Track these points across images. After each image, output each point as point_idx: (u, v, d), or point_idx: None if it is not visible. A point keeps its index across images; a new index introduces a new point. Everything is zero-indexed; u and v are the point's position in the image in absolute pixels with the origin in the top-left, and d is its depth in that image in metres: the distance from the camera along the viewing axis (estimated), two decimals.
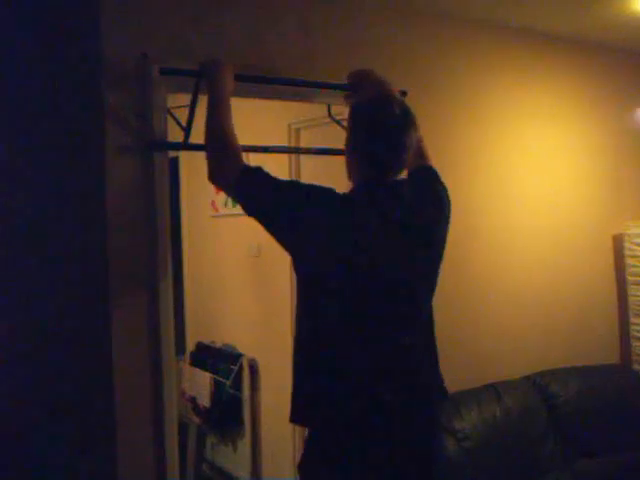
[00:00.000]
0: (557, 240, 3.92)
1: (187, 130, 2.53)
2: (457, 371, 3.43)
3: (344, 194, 2.08)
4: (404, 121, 2.07)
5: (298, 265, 2.08)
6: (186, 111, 2.51)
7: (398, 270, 2.05)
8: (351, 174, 2.16)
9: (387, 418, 2.02)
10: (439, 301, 3.36)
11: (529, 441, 3.36)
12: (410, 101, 3.00)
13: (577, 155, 4.04)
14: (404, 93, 2.95)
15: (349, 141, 2.14)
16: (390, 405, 2.01)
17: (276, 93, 2.85)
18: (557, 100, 3.93)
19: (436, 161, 3.37)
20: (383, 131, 2.05)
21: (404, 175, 2.24)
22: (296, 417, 2.07)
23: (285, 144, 3.90)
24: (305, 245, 2.02)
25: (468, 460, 3.10)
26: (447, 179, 3.42)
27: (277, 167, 4.04)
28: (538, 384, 3.59)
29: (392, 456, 2.03)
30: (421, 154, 2.48)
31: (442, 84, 3.43)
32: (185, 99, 2.53)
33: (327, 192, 2.05)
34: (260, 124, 3.93)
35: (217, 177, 2.14)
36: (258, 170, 2.09)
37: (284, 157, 3.97)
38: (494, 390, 3.40)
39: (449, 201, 2.34)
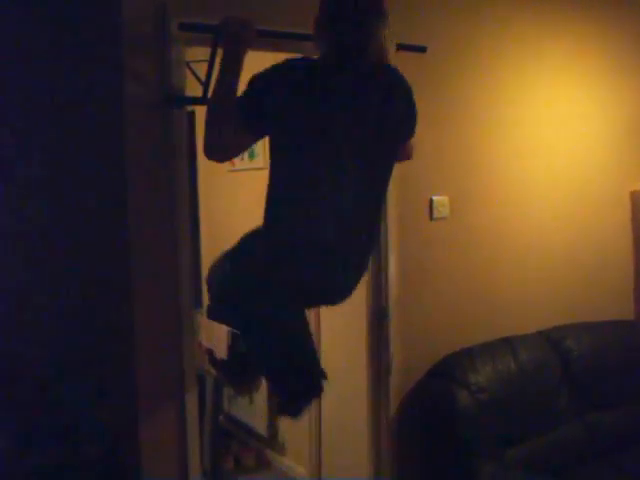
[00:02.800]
0: (574, 195, 3.91)
1: (206, 84, 2.52)
2: (473, 324, 3.49)
3: (312, 62, 2.18)
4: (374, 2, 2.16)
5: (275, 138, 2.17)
6: (205, 65, 2.51)
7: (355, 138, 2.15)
8: (318, 45, 2.23)
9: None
10: (454, 255, 3.42)
11: (542, 394, 3.41)
12: (429, 58, 3.02)
13: (597, 110, 4.01)
14: (423, 49, 2.94)
15: (319, 10, 2.20)
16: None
17: (294, 47, 2.83)
18: (579, 54, 3.89)
19: (455, 117, 3.38)
20: (351, 2, 2.13)
21: None
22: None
23: None
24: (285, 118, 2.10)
25: (482, 412, 3.14)
26: (467, 135, 3.44)
27: None
28: (552, 339, 3.61)
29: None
30: None
31: (462, 39, 3.41)
32: (204, 52, 2.52)
33: (289, 68, 2.14)
34: None
35: (216, 153, 2.17)
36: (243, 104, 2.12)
37: None
38: (509, 344, 3.43)
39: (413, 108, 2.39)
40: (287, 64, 2.14)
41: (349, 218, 2.19)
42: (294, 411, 2.55)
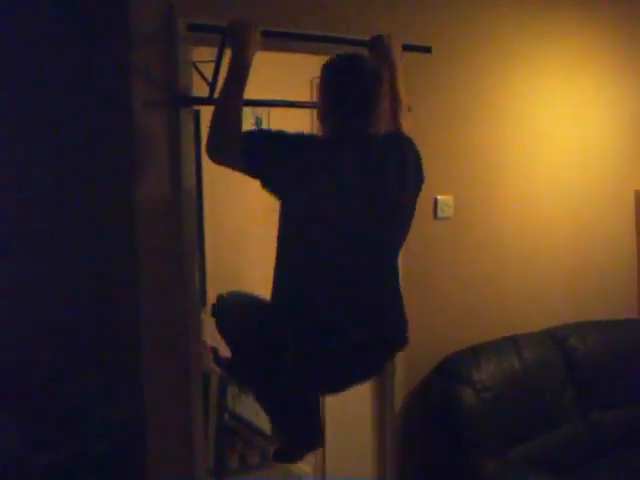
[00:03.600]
0: (580, 194, 3.91)
1: (212, 85, 2.53)
2: (477, 323, 3.50)
3: (320, 139, 2.26)
4: (373, 78, 2.21)
5: (283, 203, 2.19)
6: (211, 65, 2.52)
7: (365, 216, 2.17)
8: (323, 126, 2.28)
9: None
10: (458, 255, 3.42)
11: (546, 393, 3.42)
12: (435, 58, 3.03)
13: (603, 109, 4.01)
14: (429, 49, 2.95)
15: (321, 93, 2.26)
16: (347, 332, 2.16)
17: (299, 47, 2.84)
18: (584, 54, 3.89)
19: (460, 117, 3.39)
20: (352, 85, 2.19)
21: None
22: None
23: (307, 99, 3.89)
24: (291, 184, 2.15)
25: (486, 411, 3.15)
26: (472, 134, 3.45)
27: (298, 122, 4.05)
28: (557, 337, 3.62)
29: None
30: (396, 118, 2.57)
31: (467, 40, 3.40)
32: (211, 52, 2.53)
33: (308, 138, 2.24)
34: (282, 78, 3.91)
35: (215, 156, 2.23)
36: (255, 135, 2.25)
37: (305, 112, 3.97)
38: (513, 342, 3.44)
39: (421, 170, 2.44)
40: (301, 136, 2.23)
41: (360, 290, 2.20)
42: (287, 458, 2.54)
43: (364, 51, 2.77)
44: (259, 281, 4.58)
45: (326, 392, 2.49)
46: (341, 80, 2.22)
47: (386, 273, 2.30)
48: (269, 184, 2.19)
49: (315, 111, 3.91)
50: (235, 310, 2.50)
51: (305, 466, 4.21)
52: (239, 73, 2.22)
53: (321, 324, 2.13)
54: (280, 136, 2.20)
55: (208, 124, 2.21)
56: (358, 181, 2.14)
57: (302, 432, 2.45)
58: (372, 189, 2.16)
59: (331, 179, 2.12)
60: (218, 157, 2.24)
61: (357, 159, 2.16)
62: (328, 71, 2.25)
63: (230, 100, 2.21)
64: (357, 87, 2.19)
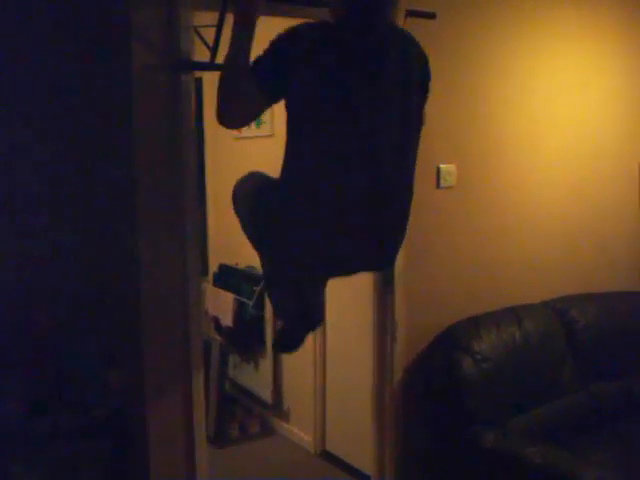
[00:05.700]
0: (583, 165, 3.89)
1: (214, 50, 2.50)
2: (478, 294, 3.49)
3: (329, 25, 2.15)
4: None
5: (294, 103, 2.12)
6: (213, 30, 2.49)
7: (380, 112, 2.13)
8: (335, 8, 2.20)
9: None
10: (460, 224, 3.41)
11: (547, 364, 3.42)
12: (439, 25, 3.00)
13: (608, 78, 3.97)
14: (433, 15, 2.92)
15: None
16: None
17: (303, 13, 2.80)
18: (589, 20, 3.84)
19: (464, 85, 3.36)
20: None
21: None
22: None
23: None
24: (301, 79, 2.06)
25: (486, 381, 3.15)
26: (475, 103, 3.41)
27: None
28: (558, 309, 3.61)
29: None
30: None
31: (472, 6, 3.36)
32: (212, 17, 2.50)
33: (309, 28, 2.11)
34: None
35: (226, 121, 2.15)
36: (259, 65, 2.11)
37: None
38: (514, 313, 3.43)
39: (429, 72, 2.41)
40: (306, 25, 2.11)
41: (377, 190, 2.16)
42: (290, 343, 2.59)
43: None
44: None
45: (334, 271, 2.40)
46: None
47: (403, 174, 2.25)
48: (289, 91, 2.09)
49: None
50: (248, 193, 2.60)
51: (305, 435, 4.24)
52: (243, 35, 2.19)
53: (331, 204, 2.11)
54: (285, 43, 2.10)
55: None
56: (368, 72, 2.10)
57: (307, 310, 2.50)
58: (382, 81, 2.12)
59: (340, 68, 2.06)
60: (230, 121, 2.17)
61: (368, 51, 2.11)
62: None
63: (236, 67, 2.17)
64: None
